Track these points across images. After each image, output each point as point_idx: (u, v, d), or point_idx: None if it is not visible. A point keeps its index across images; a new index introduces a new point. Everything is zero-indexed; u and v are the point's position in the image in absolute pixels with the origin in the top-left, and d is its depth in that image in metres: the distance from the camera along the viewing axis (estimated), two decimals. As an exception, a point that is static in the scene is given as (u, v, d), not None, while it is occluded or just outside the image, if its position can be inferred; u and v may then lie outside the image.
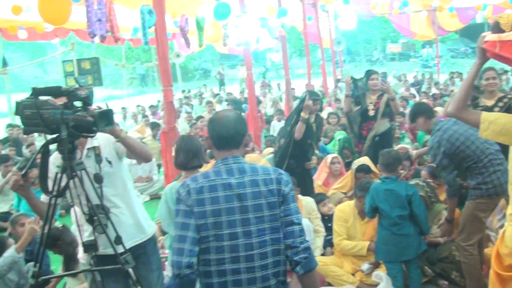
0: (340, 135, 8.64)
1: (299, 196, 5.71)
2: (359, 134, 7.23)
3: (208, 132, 2.73)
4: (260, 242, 2.52)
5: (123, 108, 18.09)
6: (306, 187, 6.25)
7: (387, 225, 4.62)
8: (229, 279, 2.51)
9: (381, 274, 4.78)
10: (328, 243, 5.63)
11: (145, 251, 3.57)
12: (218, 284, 2.52)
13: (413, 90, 16.03)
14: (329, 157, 7.04)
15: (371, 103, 7.08)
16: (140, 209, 3.65)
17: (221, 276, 2.51)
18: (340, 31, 20.43)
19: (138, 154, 3.41)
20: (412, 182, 5.44)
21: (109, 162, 3.40)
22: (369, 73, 7.25)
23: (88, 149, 3.37)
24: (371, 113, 7.07)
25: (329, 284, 5.13)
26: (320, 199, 6.08)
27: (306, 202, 5.77)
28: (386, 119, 7.13)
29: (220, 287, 2.52)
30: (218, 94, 20.35)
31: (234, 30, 10.69)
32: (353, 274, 5.15)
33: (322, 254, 5.53)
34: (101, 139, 3.39)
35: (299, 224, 2.60)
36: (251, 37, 10.19)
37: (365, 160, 6.42)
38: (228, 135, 2.62)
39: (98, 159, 3.30)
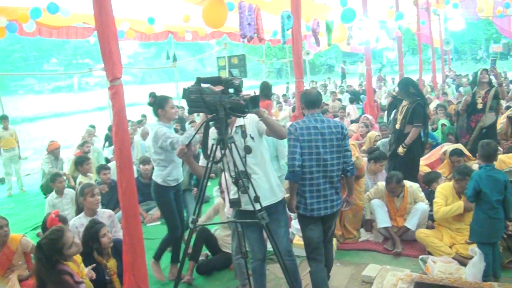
0: (443, 122, 8.14)
1: (405, 181, 5.44)
2: (468, 126, 6.76)
3: (301, 100, 3.92)
4: (332, 158, 3.74)
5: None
6: (412, 168, 6.01)
7: (486, 209, 4.25)
8: (315, 175, 3.72)
9: (475, 249, 4.47)
10: (431, 217, 5.31)
11: (276, 210, 3.67)
12: (308, 179, 3.72)
13: None
14: (448, 150, 6.31)
15: (479, 97, 6.58)
16: (274, 177, 3.72)
17: (310, 174, 3.71)
18: (449, 32, 19.17)
19: (275, 131, 3.46)
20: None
21: (252, 138, 3.51)
22: (478, 71, 6.79)
23: (236, 126, 3.53)
24: (479, 106, 6.58)
25: (429, 253, 4.89)
26: (435, 176, 5.79)
27: (411, 188, 5.46)
28: (493, 112, 6.60)
29: (309, 180, 3.72)
30: (340, 86, 20.05)
31: (357, 32, 10.42)
32: (450, 247, 4.84)
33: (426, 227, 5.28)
34: (247, 119, 3.52)
35: (349, 151, 3.87)
36: (371, 37, 9.87)
37: (458, 145, 6.12)
38: (314, 100, 3.83)
39: (244, 135, 3.44)
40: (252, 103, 2.94)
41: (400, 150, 5.94)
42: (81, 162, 7.28)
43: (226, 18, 7.02)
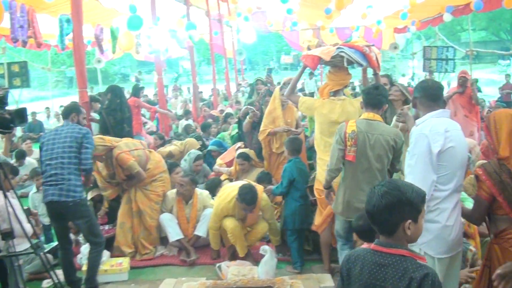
0: (235, 129, 8.81)
1: (196, 189, 5.86)
2: None
3: None
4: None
5: (46, 108, 17.32)
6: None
7: (298, 197, 5.12)
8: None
9: (266, 248, 4.98)
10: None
11: None
12: None
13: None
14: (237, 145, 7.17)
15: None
16: None
17: None
18: (242, 44, 20.66)
19: None
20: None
21: None
22: (254, 81, 7.54)
23: None
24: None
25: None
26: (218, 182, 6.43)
27: (201, 195, 5.82)
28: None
29: None
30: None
31: (146, 40, 10.56)
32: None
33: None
34: None
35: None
36: (161, 47, 10.11)
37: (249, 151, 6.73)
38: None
39: None
40: (19, 117, 2.84)
41: None
42: None
43: (1, 19, 6.48)
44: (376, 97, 4.00)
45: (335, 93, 4.81)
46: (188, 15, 12.01)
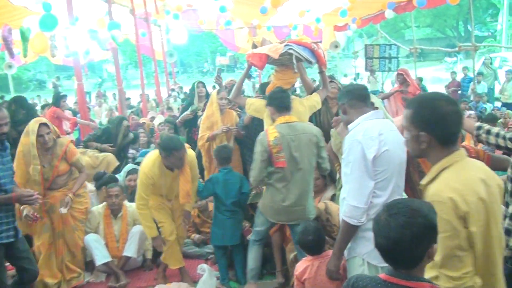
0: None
1: (125, 202, 5.79)
2: (190, 138, 7.29)
3: None
4: None
5: None
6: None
7: (223, 210, 5.07)
8: None
9: (204, 266, 5.05)
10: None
11: None
12: None
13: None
14: None
15: (200, 110, 7.15)
16: None
17: None
18: (172, 45, 20.48)
19: None
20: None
21: None
22: (195, 83, 7.47)
23: None
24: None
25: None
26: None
27: (131, 207, 5.68)
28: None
29: None
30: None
31: (63, 42, 10.23)
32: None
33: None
34: None
35: None
36: (80, 49, 9.85)
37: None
38: None
39: None
40: None
41: None
42: None
43: None
44: (286, 100, 4.43)
45: (284, 93, 4.90)
46: (111, 13, 11.76)
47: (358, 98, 3.20)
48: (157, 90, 17.55)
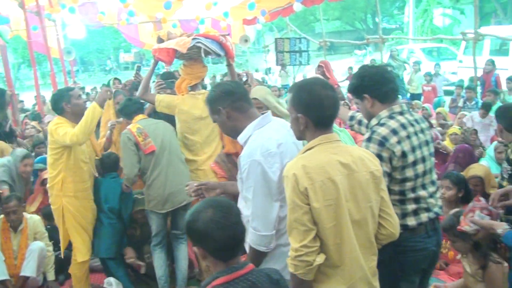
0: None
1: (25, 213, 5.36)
2: None
3: None
4: None
5: None
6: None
7: (105, 217, 5.04)
8: None
9: (111, 280, 4.91)
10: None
11: None
12: None
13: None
14: None
15: None
16: None
17: None
18: (70, 41, 19.64)
19: None
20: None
21: None
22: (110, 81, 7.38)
23: None
24: None
25: None
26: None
27: (31, 219, 5.33)
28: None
29: None
30: None
31: None
32: None
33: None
34: None
35: None
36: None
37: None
38: None
39: None
40: None
41: None
42: None
43: None
44: (134, 105, 5.02)
45: (193, 87, 5.07)
46: (-2, 8, 11.07)
47: (239, 98, 2.89)
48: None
